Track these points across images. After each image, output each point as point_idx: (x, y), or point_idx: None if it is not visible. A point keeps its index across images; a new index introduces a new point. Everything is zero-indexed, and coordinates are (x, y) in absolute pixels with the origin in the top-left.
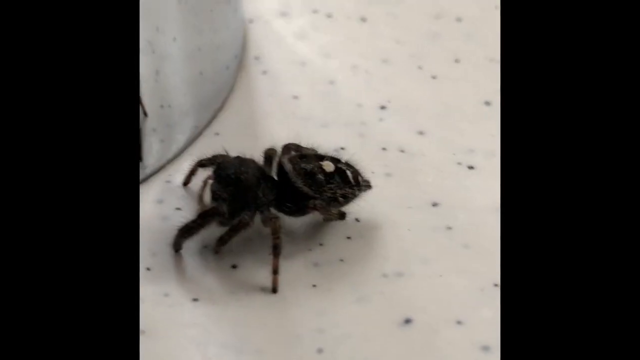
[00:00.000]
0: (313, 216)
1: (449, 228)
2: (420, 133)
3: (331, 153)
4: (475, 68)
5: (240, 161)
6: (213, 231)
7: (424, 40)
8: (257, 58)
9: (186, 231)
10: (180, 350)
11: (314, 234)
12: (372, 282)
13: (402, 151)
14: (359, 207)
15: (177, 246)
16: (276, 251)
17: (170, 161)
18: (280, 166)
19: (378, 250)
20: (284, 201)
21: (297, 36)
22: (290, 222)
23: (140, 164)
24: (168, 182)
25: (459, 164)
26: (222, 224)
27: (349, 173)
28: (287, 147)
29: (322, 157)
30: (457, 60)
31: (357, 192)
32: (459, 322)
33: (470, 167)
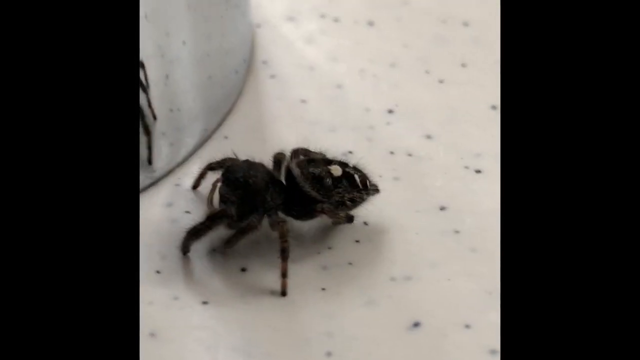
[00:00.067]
0: (321, 220)
1: (457, 232)
2: (428, 137)
3: (339, 157)
4: (482, 72)
5: (249, 165)
6: (222, 234)
7: (431, 44)
8: (265, 62)
9: (194, 233)
10: (189, 353)
11: (322, 238)
12: (380, 285)
13: (410, 155)
14: (367, 210)
15: (185, 248)
16: (284, 255)
17: (179, 164)
18: (289, 170)
19: (386, 254)
20: (292, 205)
21: (305, 40)
22: (299, 226)
23: (150, 167)
24: (177, 185)
25: (467, 167)
26: (230, 226)
27: (356, 177)
28: (296, 152)
29: (330, 162)
30: (464, 65)
31: (365, 196)
32: (467, 326)
33: (478, 171)
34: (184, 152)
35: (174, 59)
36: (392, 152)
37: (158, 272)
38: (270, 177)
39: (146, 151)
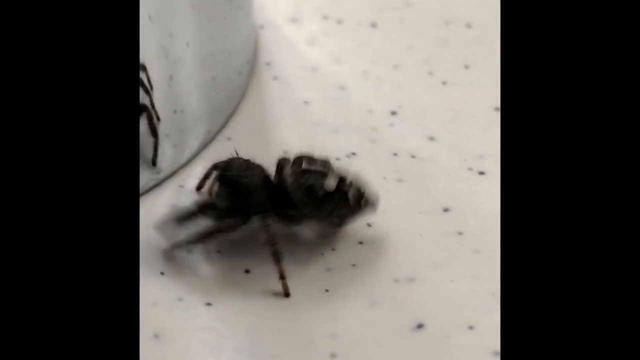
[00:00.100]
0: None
1: (460, 233)
2: (431, 139)
3: (343, 158)
4: (485, 74)
5: (247, 165)
6: (229, 236)
7: (434, 46)
8: (268, 64)
9: (179, 219)
10: (193, 354)
11: (326, 239)
12: (384, 287)
13: (413, 157)
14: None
15: (168, 232)
16: (275, 258)
17: (183, 166)
18: (284, 178)
19: (390, 256)
20: (282, 211)
21: (308, 42)
22: (303, 228)
23: (154, 169)
24: (181, 186)
25: (470, 169)
26: (215, 218)
27: (350, 194)
28: (299, 158)
29: (327, 174)
30: (467, 66)
31: (355, 214)
32: (470, 327)
33: (481, 173)
34: (187, 153)
35: (177, 60)
36: (395, 154)
37: (162, 273)
38: (264, 180)
39: (152, 152)
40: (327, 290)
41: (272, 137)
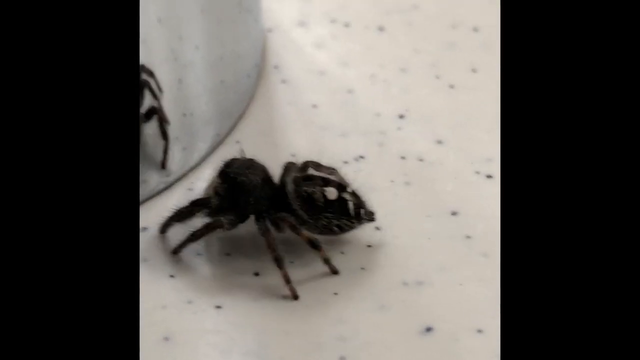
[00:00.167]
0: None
1: (468, 237)
2: (439, 142)
3: (351, 161)
4: (492, 77)
5: (250, 164)
6: (236, 238)
7: (442, 49)
8: (276, 67)
9: (175, 215)
10: (203, 357)
11: (335, 242)
12: (392, 290)
13: (421, 160)
14: (379, 215)
15: (164, 229)
16: (278, 263)
17: (192, 169)
18: (285, 183)
19: (398, 259)
20: (278, 213)
21: (316, 45)
22: (311, 230)
23: (163, 172)
24: (190, 189)
25: (477, 173)
26: (207, 215)
27: (350, 204)
28: (306, 164)
29: (328, 182)
30: (474, 70)
31: (354, 225)
32: (479, 331)
33: (489, 176)
34: (196, 156)
35: (187, 63)
36: (403, 157)
37: (172, 276)
38: (265, 181)
39: (161, 155)
40: (336, 294)
41: (280, 140)
